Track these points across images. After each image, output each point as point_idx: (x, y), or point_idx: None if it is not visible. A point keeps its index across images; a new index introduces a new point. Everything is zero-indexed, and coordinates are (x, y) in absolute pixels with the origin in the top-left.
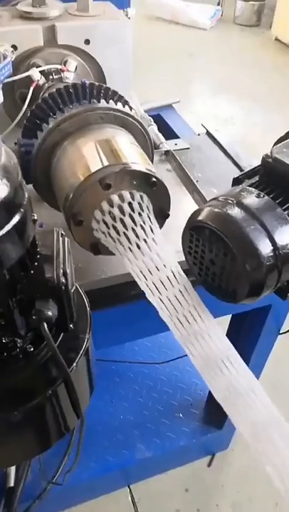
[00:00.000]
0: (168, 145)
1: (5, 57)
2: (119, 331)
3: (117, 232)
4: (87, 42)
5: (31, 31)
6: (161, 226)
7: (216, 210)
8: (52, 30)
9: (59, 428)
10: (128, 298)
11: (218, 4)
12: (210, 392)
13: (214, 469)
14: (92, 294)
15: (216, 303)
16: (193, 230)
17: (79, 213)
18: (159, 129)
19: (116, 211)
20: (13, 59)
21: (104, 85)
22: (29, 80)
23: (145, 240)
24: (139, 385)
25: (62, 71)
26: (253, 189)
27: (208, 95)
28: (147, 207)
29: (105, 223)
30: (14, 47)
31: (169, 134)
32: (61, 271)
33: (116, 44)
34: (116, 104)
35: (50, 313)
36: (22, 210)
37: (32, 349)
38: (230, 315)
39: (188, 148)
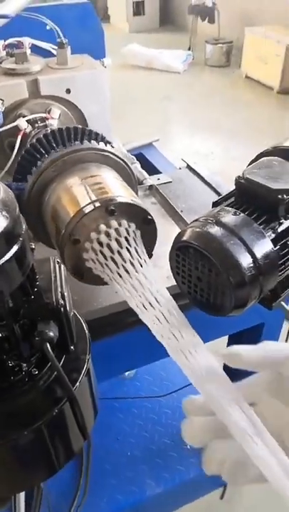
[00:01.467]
0: (151, 180)
1: None
2: (119, 359)
3: (105, 258)
4: (68, 91)
5: (16, 86)
6: (155, 232)
7: (198, 229)
8: (35, 83)
9: (66, 450)
10: (126, 325)
11: (189, 49)
12: None
13: (228, 501)
14: (90, 325)
15: (211, 325)
16: (179, 250)
17: (75, 233)
18: (141, 166)
19: (103, 237)
20: (2, 110)
21: (87, 128)
22: (16, 129)
23: (132, 263)
24: (144, 420)
25: (47, 119)
26: (230, 208)
27: (186, 134)
28: (134, 231)
29: (94, 250)
30: (1, 100)
31: (152, 170)
32: (59, 294)
33: (94, 91)
34: (98, 144)
35: (51, 333)
36: (21, 239)
37: (36, 372)
38: (227, 338)
39: (171, 181)
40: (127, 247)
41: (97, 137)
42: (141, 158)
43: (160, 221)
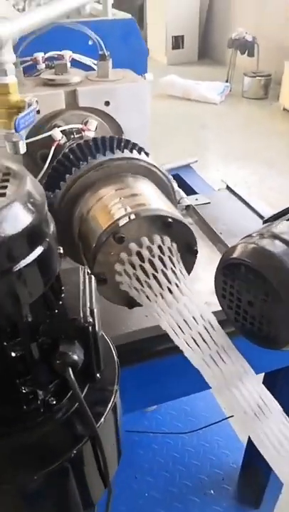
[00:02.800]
0: (189, 200)
1: (30, 105)
2: (145, 391)
3: (139, 282)
4: (107, 103)
5: (53, 95)
6: (192, 265)
7: (252, 245)
8: (73, 95)
9: (83, 500)
10: (155, 353)
11: (227, 81)
12: (244, 465)
13: None
14: (118, 350)
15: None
16: (227, 269)
17: (101, 273)
18: (178, 186)
19: (134, 258)
20: (37, 108)
21: (124, 138)
22: (51, 140)
23: (169, 289)
24: (165, 458)
25: (83, 130)
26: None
27: (222, 163)
28: (169, 248)
29: (127, 274)
30: (38, 111)
31: (189, 191)
32: (88, 310)
33: (135, 105)
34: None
35: (76, 356)
36: (47, 239)
37: (54, 402)
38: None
39: (209, 202)
40: (171, 268)
41: (136, 148)
42: (178, 179)
43: (198, 243)
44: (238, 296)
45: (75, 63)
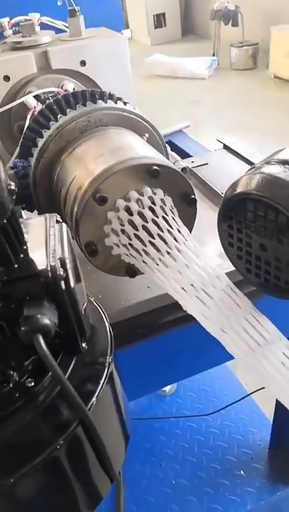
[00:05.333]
0: (184, 163)
1: None
2: (155, 371)
3: (129, 237)
4: (83, 63)
5: (22, 59)
6: (193, 218)
7: (258, 175)
8: (45, 56)
9: (86, 496)
10: (163, 325)
11: (214, 54)
12: (271, 441)
13: None
14: (117, 329)
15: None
16: (232, 209)
17: (89, 243)
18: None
19: (123, 214)
20: None
21: (103, 91)
22: (26, 109)
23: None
24: (189, 443)
25: (60, 94)
26: None
27: (217, 136)
28: (162, 200)
29: (116, 234)
30: (7, 78)
31: (184, 155)
32: (58, 260)
33: (114, 63)
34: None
35: (46, 320)
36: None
37: (32, 384)
38: None
39: (207, 164)
40: (163, 216)
41: (113, 98)
42: (170, 144)
43: (198, 205)
44: (247, 240)
45: (46, 27)
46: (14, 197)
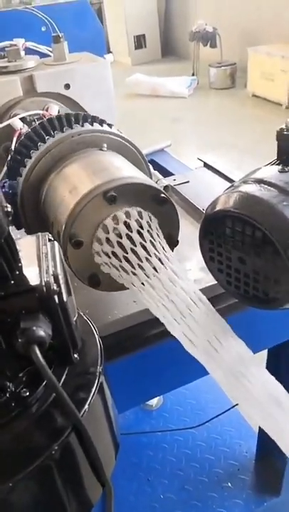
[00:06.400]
0: (166, 181)
1: None
2: (142, 383)
3: (124, 250)
4: (67, 86)
5: (9, 83)
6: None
7: (235, 193)
8: (30, 80)
9: (77, 502)
10: (149, 340)
11: (193, 74)
12: (258, 451)
13: None
14: (105, 341)
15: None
16: (211, 225)
17: (77, 234)
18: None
19: (122, 227)
20: None
21: (87, 113)
22: (12, 131)
23: (156, 256)
24: (176, 456)
25: (45, 116)
26: (274, 166)
27: (197, 154)
28: (156, 228)
29: (105, 253)
30: None
31: (166, 174)
32: (51, 276)
33: (97, 86)
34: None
35: (41, 332)
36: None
37: (28, 393)
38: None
39: (188, 181)
40: (151, 240)
41: (95, 120)
42: (152, 163)
43: (181, 221)
44: (227, 255)
45: (30, 52)
46: (10, 218)
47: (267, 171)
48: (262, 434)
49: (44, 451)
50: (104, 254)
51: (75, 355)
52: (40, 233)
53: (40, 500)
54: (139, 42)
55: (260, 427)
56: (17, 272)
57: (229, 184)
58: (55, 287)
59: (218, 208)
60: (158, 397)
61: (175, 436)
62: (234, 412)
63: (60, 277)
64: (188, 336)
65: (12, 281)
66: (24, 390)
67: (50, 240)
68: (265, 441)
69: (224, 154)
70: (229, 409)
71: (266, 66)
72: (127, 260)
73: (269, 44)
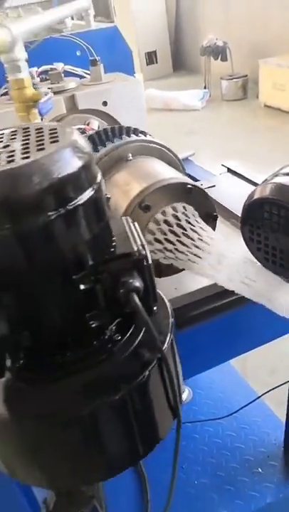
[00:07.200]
0: None
1: (46, 94)
2: (205, 353)
3: (172, 243)
4: (104, 104)
5: (54, 102)
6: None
7: (269, 184)
8: (72, 99)
9: (152, 431)
10: (210, 313)
11: (205, 87)
12: (286, 441)
13: None
14: None
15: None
16: (252, 211)
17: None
18: None
19: (164, 226)
20: (52, 96)
21: (130, 126)
22: None
23: (200, 239)
24: (208, 445)
25: (87, 130)
26: None
27: (213, 163)
28: (193, 214)
29: (158, 241)
30: (40, 118)
31: (192, 180)
32: (140, 245)
33: (130, 101)
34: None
35: (137, 283)
36: (98, 181)
37: (119, 338)
38: None
39: (214, 185)
40: (191, 228)
41: (145, 134)
42: None
43: None
44: (265, 235)
45: (67, 74)
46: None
47: None
48: None
49: (134, 379)
50: (157, 241)
51: (155, 308)
52: (123, 217)
53: (123, 423)
54: (151, 58)
55: (287, 417)
56: (114, 244)
57: (252, 186)
58: (144, 252)
59: (256, 196)
60: (187, 392)
61: (205, 427)
62: (260, 404)
63: (146, 246)
64: (245, 282)
65: (112, 249)
66: (117, 335)
67: (132, 221)
68: None
69: (241, 164)
70: (255, 399)
71: (277, 77)
72: (181, 243)
73: (277, 56)
